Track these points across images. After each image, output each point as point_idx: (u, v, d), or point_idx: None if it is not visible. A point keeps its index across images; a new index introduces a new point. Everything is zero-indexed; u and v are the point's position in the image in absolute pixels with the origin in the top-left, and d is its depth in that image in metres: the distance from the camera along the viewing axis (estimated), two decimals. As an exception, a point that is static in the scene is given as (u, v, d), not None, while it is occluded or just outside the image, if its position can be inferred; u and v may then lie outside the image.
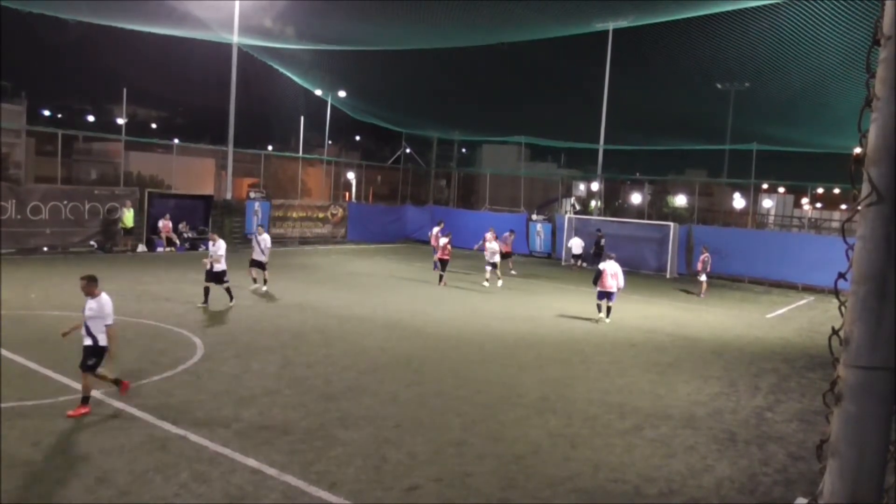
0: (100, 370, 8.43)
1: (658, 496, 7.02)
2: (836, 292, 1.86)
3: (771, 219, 59.48)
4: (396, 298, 18.60)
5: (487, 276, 21.73)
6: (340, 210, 34.76)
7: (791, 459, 8.29)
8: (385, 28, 27.32)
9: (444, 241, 21.97)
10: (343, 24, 27.13)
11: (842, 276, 1.81)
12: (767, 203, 62.12)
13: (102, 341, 8.39)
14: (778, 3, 20.80)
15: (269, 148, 52.18)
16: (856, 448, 1.71)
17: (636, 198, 57.86)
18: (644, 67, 32.30)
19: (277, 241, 30.70)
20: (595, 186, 42.93)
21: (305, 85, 36.44)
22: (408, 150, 44.37)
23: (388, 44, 29.57)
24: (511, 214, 36.14)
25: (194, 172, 42.40)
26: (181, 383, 9.78)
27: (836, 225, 45.34)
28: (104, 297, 8.45)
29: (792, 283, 26.23)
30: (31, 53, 54.25)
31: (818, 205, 59.84)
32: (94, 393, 9.00)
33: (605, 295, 16.84)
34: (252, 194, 31.60)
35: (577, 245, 29.60)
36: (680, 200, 57.74)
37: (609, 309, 16.89)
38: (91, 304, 8.39)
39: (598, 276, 16.93)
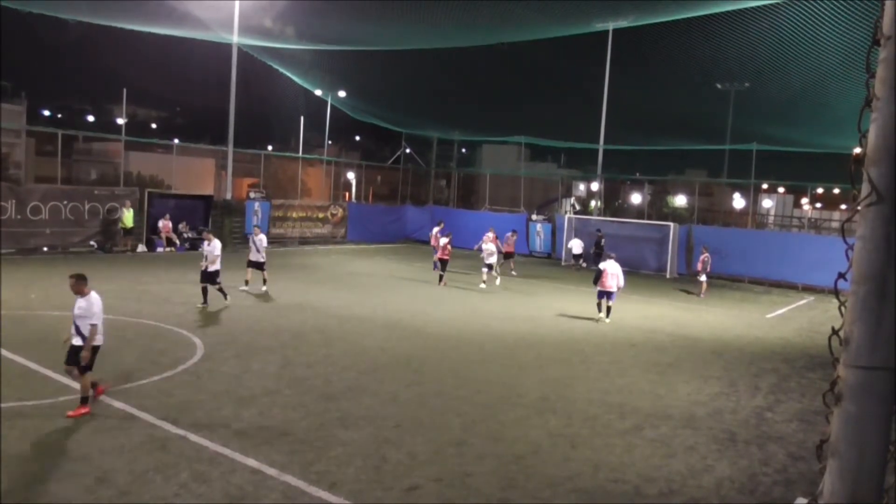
0: (91, 374, 8.34)
1: (658, 496, 7.02)
2: (836, 292, 1.86)
3: (771, 219, 59.48)
4: (396, 298, 18.60)
5: (484, 277, 21.65)
6: (340, 210, 34.75)
7: (791, 459, 8.30)
8: (385, 28, 27.32)
9: (444, 241, 21.96)
10: (343, 24, 27.12)
11: (842, 276, 1.81)
12: (767, 203, 62.12)
13: (95, 341, 8.36)
14: (778, 3, 20.80)
15: (269, 148, 52.18)
16: (856, 448, 1.71)
17: (636, 198, 57.86)
18: (644, 67, 32.29)
19: (277, 241, 30.74)
20: (595, 186, 42.94)
21: (305, 85, 36.43)
22: (408, 150, 44.38)
23: (388, 44, 29.57)
24: (511, 214, 36.14)
25: (194, 172, 42.39)
26: (181, 383, 9.78)
27: (836, 225, 45.35)
28: (94, 296, 8.42)
29: (792, 283, 26.23)
30: (31, 53, 54.28)
31: (818, 205, 59.83)
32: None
33: (605, 294, 16.86)
34: (252, 194, 31.58)
35: (576, 246, 29.65)
36: (680, 200, 57.74)
37: (609, 309, 16.90)
38: (80, 303, 8.37)
39: (598, 276, 16.96)
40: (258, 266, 17.98)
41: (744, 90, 33.57)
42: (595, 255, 27.44)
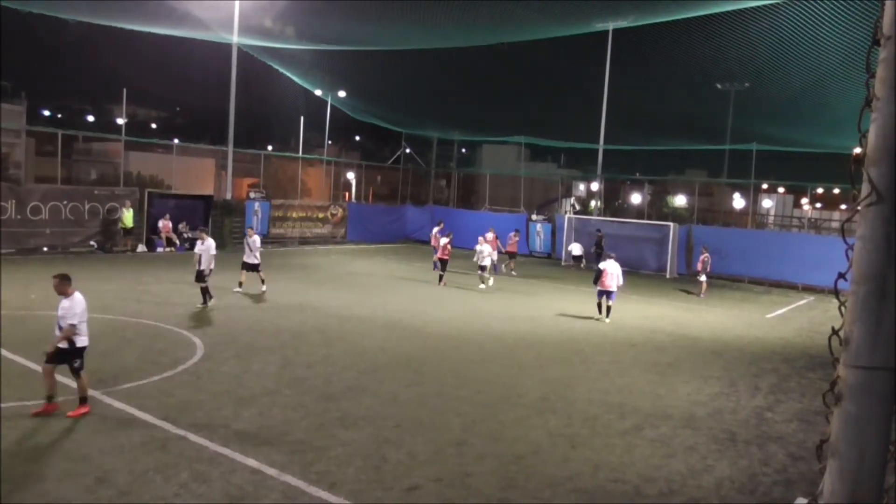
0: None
1: (658, 496, 7.02)
2: (836, 292, 1.86)
3: (771, 219, 59.48)
4: (396, 298, 18.60)
5: (487, 276, 21.65)
6: (340, 210, 34.75)
7: (791, 459, 8.30)
8: (385, 28, 27.32)
9: (444, 241, 21.96)
10: (343, 24, 27.12)
11: (842, 276, 1.81)
12: (767, 203, 62.13)
13: (81, 342, 8.29)
14: (778, 3, 20.80)
15: (269, 148, 52.20)
16: (856, 448, 1.70)
17: (636, 198, 57.87)
18: (644, 67, 32.29)
19: (277, 241, 30.77)
20: (595, 186, 42.94)
21: (305, 85, 36.43)
22: (408, 150, 44.38)
23: (388, 44, 29.57)
24: (511, 214, 36.15)
25: (194, 172, 42.39)
26: (181, 383, 9.78)
27: (836, 225, 45.35)
28: (77, 297, 8.35)
29: (792, 283, 26.24)
30: (31, 53, 54.26)
31: (818, 205, 59.84)
32: (94, 393, 9.00)
33: (605, 294, 16.89)
34: (252, 194, 31.58)
35: (576, 248, 29.88)
36: (680, 200, 57.75)
37: (609, 308, 16.92)
38: (64, 304, 8.28)
39: (598, 276, 17.00)
40: (252, 268, 17.71)
41: (744, 90, 33.56)
42: (596, 254, 27.47)
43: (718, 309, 20.46)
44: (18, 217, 22.96)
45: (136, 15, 26.30)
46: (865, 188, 1.71)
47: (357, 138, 67.73)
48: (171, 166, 33.93)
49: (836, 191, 47.69)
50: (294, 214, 32.26)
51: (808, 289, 25.31)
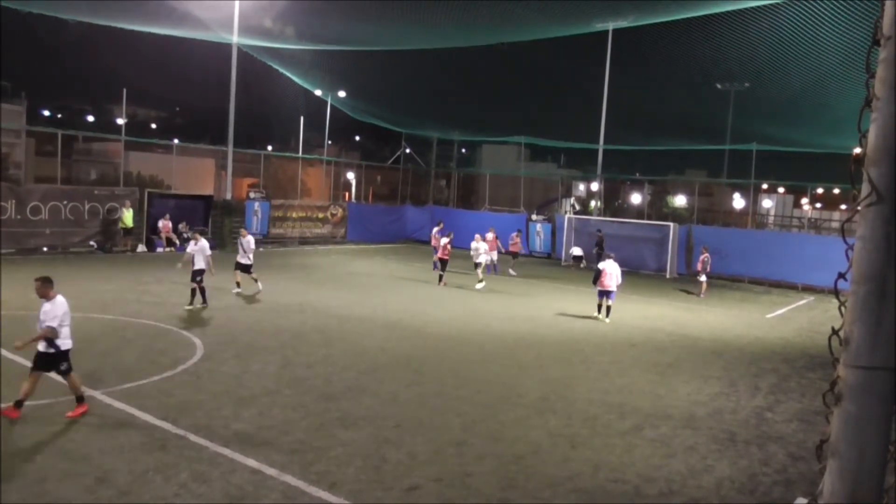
0: (73, 375, 8.17)
1: (658, 496, 7.02)
2: (836, 292, 1.86)
3: (771, 219, 59.50)
4: (396, 298, 18.60)
5: (481, 275, 21.54)
6: (340, 210, 34.75)
7: (791, 459, 8.30)
8: (385, 28, 27.31)
9: (444, 241, 21.96)
10: (343, 24, 27.11)
11: (842, 276, 1.81)
12: (767, 203, 62.15)
13: (65, 345, 8.16)
14: (778, 3, 20.80)
15: (269, 148, 52.21)
16: (856, 448, 1.70)
17: (636, 198, 57.90)
18: (644, 67, 32.29)
19: (277, 241, 30.78)
20: (595, 186, 42.95)
21: (305, 85, 36.43)
22: (408, 150, 44.38)
23: (388, 44, 29.56)
24: (511, 214, 36.16)
25: (194, 172, 42.41)
26: (181, 383, 9.78)
27: (836, 225, 45.36)
28: (59, 300, 8.22)
29: (792, 283, 26.23)
30: (31, 53, 54.28)
31: (818, 205, 59.86)
32: (94, 393, 9.01)
33: (605, 294, 16.91)
34: (252, 194, 31.59)
35: (577, 251, 29.97)
36: (680, 200, 57.77)
37: (609, 308, 16.93)
38: (45, 307, 8.13)
39: (597, 276, 17.02)
40: (245, 269, 17.61)
41: (744, 90, 33.57)
42: (597, 255, 27.50)
43: (718, 309, 20.46)
44: (18, 217, 22.96)
45: (136, 15, 26.30)
46: (865, 188, 1.71)
47: (357, 138, 67.78)
48: (171, 166, 33.93)
49: (836, 191, 47.72)
50: (294, 214, 32.26)
51: (808, 289, 25.31)
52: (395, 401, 9.60)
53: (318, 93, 38.81)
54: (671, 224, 30.03)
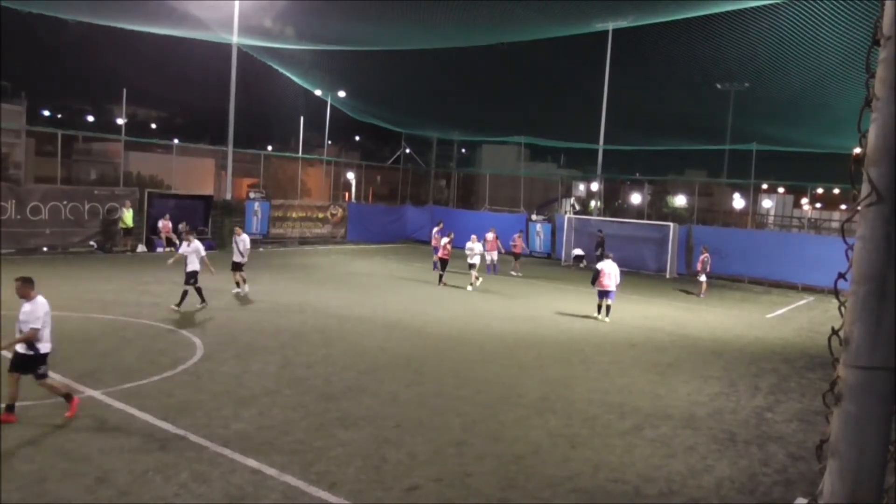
0: (49, 380, 8.09)
1: (658, 496, 7.02)
2: (836, 292, 1.86)
3: (771, 219, 59.50)
4: (396, 298, 18.60)
5: (474, 278, 21.46)
6: (340, 210, 34.75)
7: (791, 459, 8.30)
8: (385, 28, 27.32)
9: (444, 241, 21.96)
10: (343, 24, 27.12)
11: (842, 276, 1.81)
12: (767, 203, 62.16)
13: (44, 348, 8.02)
14: (778, 3, 20.80)
15: (269, 148, 52.22)
16: (856, 448, 1.70)
17: (636, 198, 57.92)
18: (644, 67, 32.29)
19: (277, 241, 30.78)
20: (595, 186, 42.96)
21: (305, 85, 36.43)
22: (407, 150, 44.39)
23: (388, 44, 29.57)
24: (511, 215, 36.16)
25: (194, 172, 42.44)
26: (181, 383, 9.78)
27: (836, 225, 45.36)
28: (40, 300, 8.05)
29: (792, 283, 26.23)
30: (31, 53, 54.32)
31: (818, 205, 59.86)
32: (94, 393, 9.02)
33: (604, 294, 16.93)
34: (252, 194, 31.59)
35: (578, 251, 30.05)
36: (680, 200, 57.78)
37: (608, 308, 16.95)
38: (25, 308, 7.96)
39: (595, 277, 17.04)
40: (237, 267, 17.47)
41: (744, 90, 33.58)
42: (598, 256, 27.53)
43: (718, 309, 20.46)
44: (18, 217, 22.96)
45: (136, 15, 26.30)
46: (865, 188, 1.71)
47: (357, 138, 67.79)
48: (170, 166, 33.94)
49: (836, 191, 47.73)
50: (294, 214, 32.26)
51: (808, 289, 25.31)
52: (395, 401, 9.60)
53: (318, 93, 38.82)
54: (671, 224, 30.03)
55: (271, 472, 6.91)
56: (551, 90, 36.13)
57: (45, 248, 23.69)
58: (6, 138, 42.64)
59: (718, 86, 34.63)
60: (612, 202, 56.10)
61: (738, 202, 55.68)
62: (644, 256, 29.08)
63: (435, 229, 25.48)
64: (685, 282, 26.08)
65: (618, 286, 17.18)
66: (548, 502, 6.71)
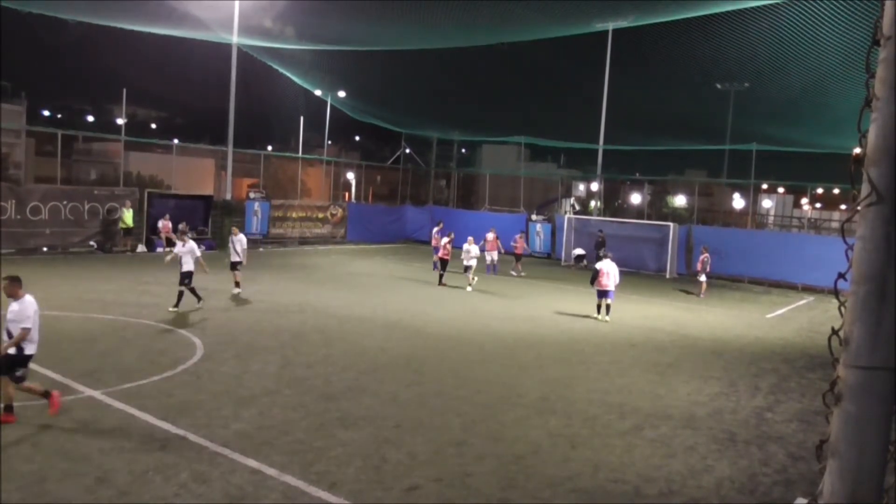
0: (27, 383, 7.97)
1: (658, 496, 7.02)
2: (836, 292, 1.86)
3: (771, 219, 59.50)
4: (396, 298, 18.60)
5: (470, 279, 21.40)
6: (340, 210, 34.75)
7: (791, 459, 8.30)
8: (385, 28, 27.33)
9: (444, 241, 21.95)
10: (343, 24, 27.12)
11: (842, 276, 1.81)
12: (767, 203, 62.17)
13: (29, 349, 7.91)
14: (778, 3, 20.80)
15: (269, 148, 52.23)
16: (856, 448, 1.70)
17: (636, 198, 57.92)
18: (644, 67, 32.29)
19: (277, 241, 30.78)
20: (595, 186, 42.96)
21: (305, 85, 36.44)
22: (407, 151, 44.39)
23: (388, 44, 29.57)
24: (511, 215, 36.16)
25: (194, 173, 42.45)
26: (181, 383, 9.77)
27: (835, 225, 45.36)
28: (28, 299, 7.96)
29: (792, 283, 26.23)
30: (31, 53, 54.32)
31: (818, 205, 59.86)
32: (94, 393, 9.01)
33: (603, 294, 16.94)
34: (252, 194, 31.59)
35: (579, 251, 30.09)
36: (680, 200, 57.78)
37: (608, 307, 16.95)
38: (13, 307, 7.83)
39: (594, 277, 17.05)
40: (233, 266, 17.42)
41: (744, 90, 33.57)
42: (598, 256, 27.55)
43: (718, 309, 20.46)
44: (18, 217, 22.96)
45: (136, 15, 26.30)
46: (865, 188, 1.71)
47: (357, 138, 67.80)
48: (170, 166, 33.95)
49: (836, 191, 47.73)
50: (294, 214, 32.27)
51: (808, 289, 25.31)
52: (395, 401, 9.59)
53: (317, 93, 38.82)
54: (671, 224, 30.03)
55: (271, 472, 6.91)
56: (551, 90, 36.13)
57: (45, 248, 23.69)
58: (6, 138, 42.64)
59: (718, 86, 34.63)
60: (612, 202, 56.12)
61: (738, 202, 55.69)
62: (644, 256, 29.08)
63: (435, 229, 25.48)
64: (685, 282, 26.08)
65: (617, 286, 17.20)
66: (548, 502, 6.71)
